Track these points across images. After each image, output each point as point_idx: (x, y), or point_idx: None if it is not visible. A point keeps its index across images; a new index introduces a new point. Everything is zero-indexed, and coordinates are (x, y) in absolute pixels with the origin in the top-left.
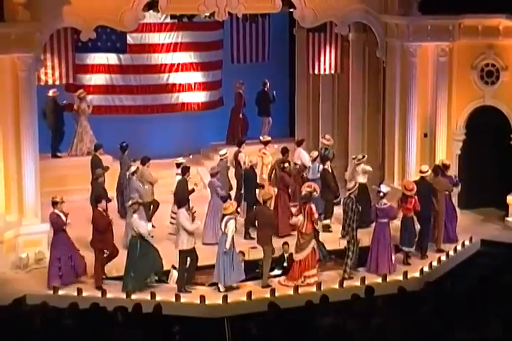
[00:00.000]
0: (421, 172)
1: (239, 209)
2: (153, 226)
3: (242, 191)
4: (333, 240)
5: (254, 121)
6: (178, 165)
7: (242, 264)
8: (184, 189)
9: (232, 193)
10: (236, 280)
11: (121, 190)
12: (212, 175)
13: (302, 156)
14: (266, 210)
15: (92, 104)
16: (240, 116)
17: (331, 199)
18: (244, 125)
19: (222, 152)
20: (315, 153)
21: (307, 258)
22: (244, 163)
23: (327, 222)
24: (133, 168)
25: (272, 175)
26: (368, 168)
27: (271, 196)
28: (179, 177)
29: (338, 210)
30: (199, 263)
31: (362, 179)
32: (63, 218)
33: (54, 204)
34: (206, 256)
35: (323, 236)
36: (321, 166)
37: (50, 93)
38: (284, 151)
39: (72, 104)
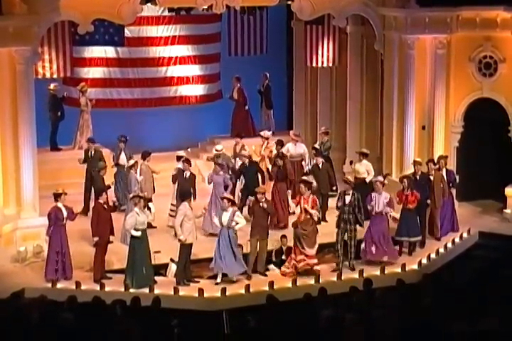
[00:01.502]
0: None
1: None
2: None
3: (243, 184)
4: (330, 233)
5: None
6: (178, 158)
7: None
8: (184, 182)
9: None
10: (237, 272)
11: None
12: (222, 168)
13: (290, 149)
14: (259, 204)
15: (93, 98)
16: (246, 108)
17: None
18: (252, 119)
19: (218, 147)
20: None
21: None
22: (249, 156)
23: None
24: (131, 162)
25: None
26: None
27: (264, 190)
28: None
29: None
30: (198, 256)
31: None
32: (64, 212)
33: (57, 196)
34: (205, 249)
35: (319, 229)
36: (314, 160)
37: (52, 86)
38: (278, 145)
39: (71, 97)
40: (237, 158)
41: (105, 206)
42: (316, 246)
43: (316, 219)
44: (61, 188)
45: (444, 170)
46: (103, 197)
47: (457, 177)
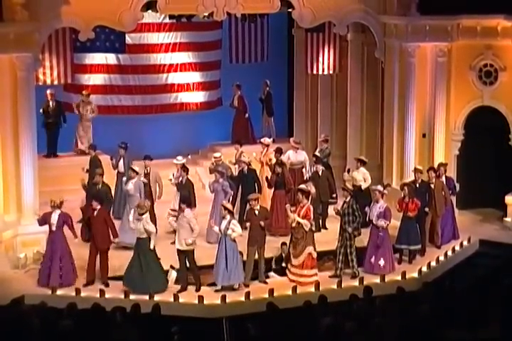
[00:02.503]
0: (420, 172)
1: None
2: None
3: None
4: (330, 241)
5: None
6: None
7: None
8: (181, 188)
9: None
10: (238, 281)
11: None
12: (221, 176)
13: (290, 157)
14: (253, 212)
15: (95, 104)
16: (246, 116)
17: (316, 206)
18: (251, 127)
19: (216, 154)
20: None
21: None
22: (249, 163)
23: None
24: (136, 168)
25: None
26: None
27: (257, 196)
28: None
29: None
30: (199, 263)
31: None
32: (53, 219)
33: (55, 207)
34: (207, 256)
35: (319, 237)
36: (314, 168)
37: (48, 93)
38: (277, 153)
39: (69, 103)
40: (237, 165)
41: (95, 213)
42: (302, 258)
43: (306, 229)
44: (58, 199)
45: (443, 177)
46: (95, 204)
47: (457, 185)
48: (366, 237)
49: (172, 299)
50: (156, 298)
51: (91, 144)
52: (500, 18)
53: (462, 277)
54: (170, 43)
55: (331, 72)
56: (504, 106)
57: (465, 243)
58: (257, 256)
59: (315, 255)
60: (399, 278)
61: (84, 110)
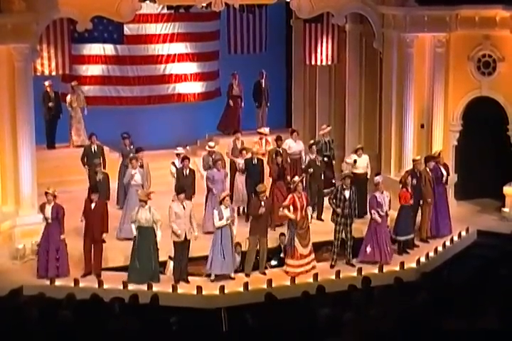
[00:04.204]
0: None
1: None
2: None
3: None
4: (327, 231)
5: (250, 112)
6: (177, 155)
7: (237, 255)
8: (183, 179)
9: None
10: (231, 271)
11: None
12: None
13: (291, 146)
14: (257, 202)
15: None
16: (241, 105)
17: (314, 190)
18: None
19: (211, 144)
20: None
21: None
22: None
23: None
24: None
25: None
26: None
27: (265, 189)
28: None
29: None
30: (196, 254)
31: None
32: (47, 211)
33: (45, 195)
34: (203, 247)
35: (314, 227)
36: (309, 157)
37: (47, 84)
38: (279, 140)
39: (67, 94)
40: (248, 154)
41: (92, 205)
42: (311, 243)
43: (310, 213)
44: (52, 188)
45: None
46: (93, 196)
47: (455, 176)
48: (364, 227)
49: (171, 289)
50: (155, 288)
51: (91, 133)
52: (498, 8)
53: (460, 267)
54: (168, 34)
55: (329, 62)
56: (502, 97)
57: (463, 233)
58: (258, 247)
59: None
60: (397, 268)
61: (74, 101)
